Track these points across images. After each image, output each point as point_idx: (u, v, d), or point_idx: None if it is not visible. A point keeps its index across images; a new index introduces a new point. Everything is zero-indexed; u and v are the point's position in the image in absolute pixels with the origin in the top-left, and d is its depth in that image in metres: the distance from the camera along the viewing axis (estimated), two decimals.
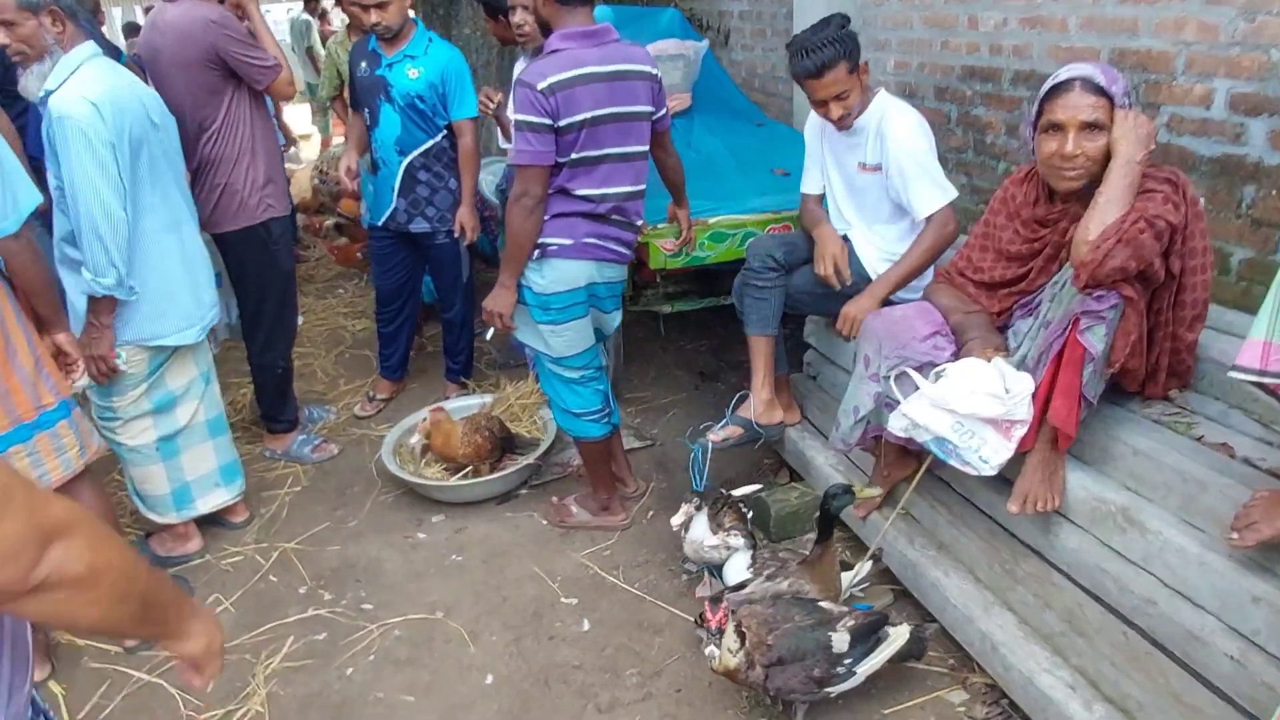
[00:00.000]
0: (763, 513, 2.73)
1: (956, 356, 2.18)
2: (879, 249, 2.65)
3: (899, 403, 2.13)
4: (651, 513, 2.97)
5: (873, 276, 2.63)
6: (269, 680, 2.33)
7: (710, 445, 2.60)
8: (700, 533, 2.37)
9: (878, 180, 2.56)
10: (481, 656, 2.38)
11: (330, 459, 3.41)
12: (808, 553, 2.43)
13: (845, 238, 2.71)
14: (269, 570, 2.78)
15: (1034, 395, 1.90)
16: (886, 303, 2.48)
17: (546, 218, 2.39)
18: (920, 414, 2.04)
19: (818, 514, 2.75)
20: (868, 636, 2.02)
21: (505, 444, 3.15)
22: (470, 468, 3.06)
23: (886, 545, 2.39)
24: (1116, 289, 1.76)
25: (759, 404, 2.69)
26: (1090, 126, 1.83)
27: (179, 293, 2.56)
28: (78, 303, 2.43)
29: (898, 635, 2.06)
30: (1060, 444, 1.91)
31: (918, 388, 2.10)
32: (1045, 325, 1.94)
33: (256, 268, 3.08)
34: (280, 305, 3.20)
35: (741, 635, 1.96)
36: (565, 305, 2.48)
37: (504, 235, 3.94)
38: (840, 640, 1.98)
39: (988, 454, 1.96)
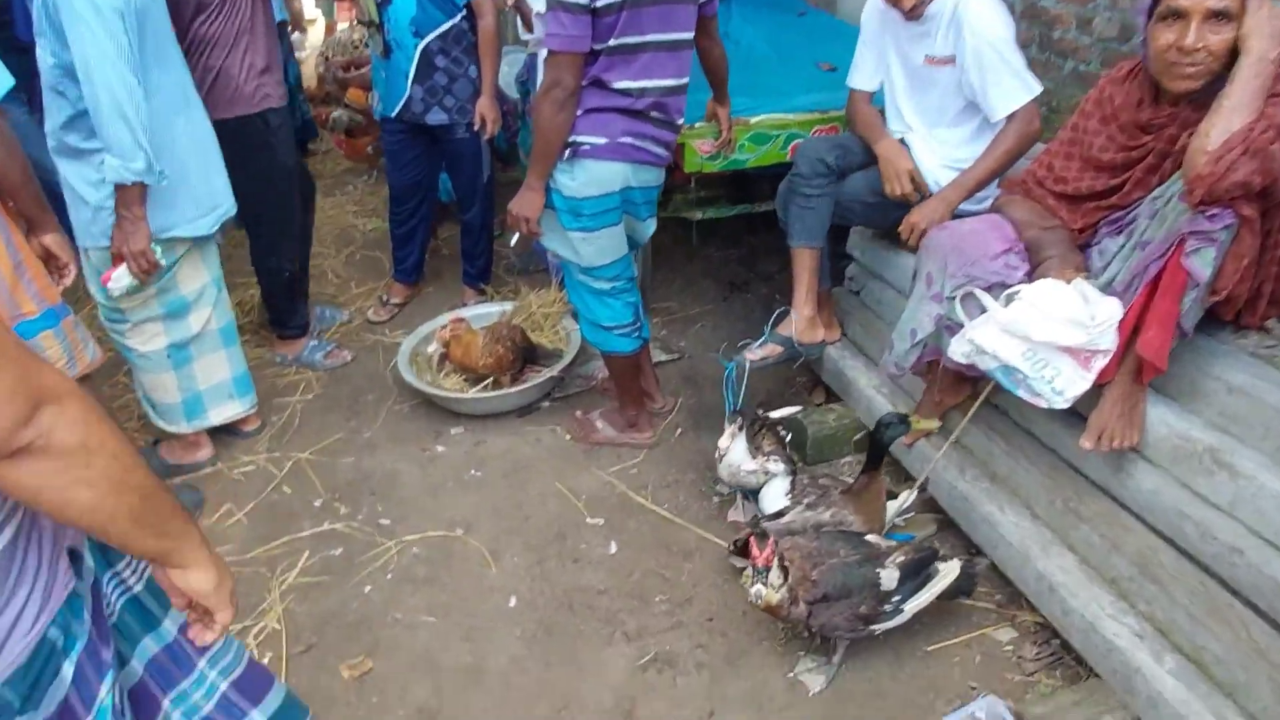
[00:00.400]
0: (799, 435, 2.59)
1: (1030, 277, 1.99)
2: (941, 155, 2.41)
3: (962, 326, 1.96)
4: (680, 430, 2.84)
5: (933, 185, 2.41)
6: (285, 596, 2.25)
7: (748, 364, 2.43)
8: (739, 456, 2.23)
9: (948, 75, 2.30)
10: (503, 578, 2.29)
11: (343, 365, 3.27)
12: (850, 480, 2.30)
13: (902, 140, 2.47)
14: (282, 481, 2.68)
15: (1120, 323, 1.72)
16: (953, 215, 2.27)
17: (579, 113, 2.15)
18: (988, 340, 1.86)
19: (858, 437, 2.64)
20: (917, 573, 1.90)
21: (527, 355, 3.00)
22: (490, 379, 2.92)
23: (933, 474, 2.26)
24: (1233, 207, 1.55)
25: (800, 321, 2.52)
26: (1218, 16, 1.59)
27: (190, 179, 2.36)
28: (85, 193, 2.23)
29: (948, 571, 1.95)
30: (1144, 376, 1.74)
31: (985, 310, 1.92)
32: (1141, 246, 1.74)
33: (255, 161, 2.83)
34: (282, 204, 2.98)
35: (784, 569, 1.85)
36: (597, 211, 2.26)
37: (525, 131, 3.71)
38: (889, 577, 1.86)
39: (1062, 385, 1.79)
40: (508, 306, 3.30)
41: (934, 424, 2.15)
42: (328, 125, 5.39)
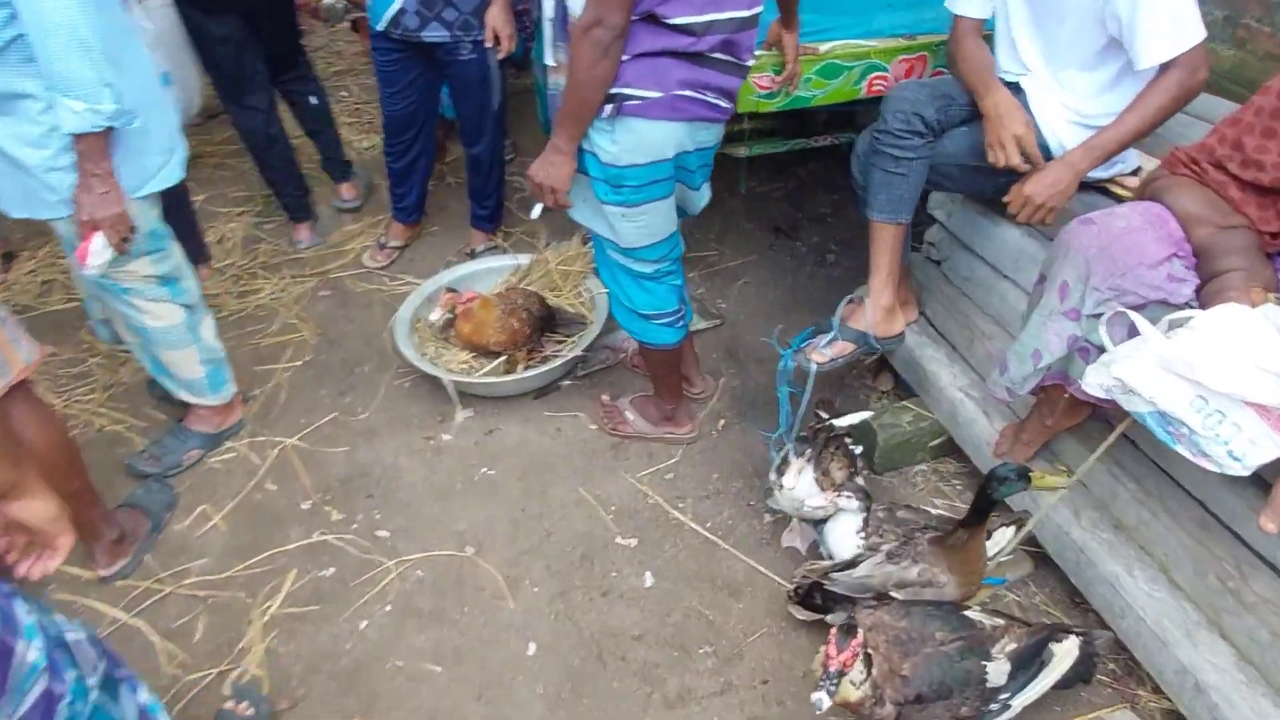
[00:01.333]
0: (867, 439, 2.20)
1: (1199, 293, 1.55)
2: (1067, 106, 1.92)
3: (1102, 350, 1.54)
4: (722, 421, 2.45)
5: (1052, 143, 1.93)
6: (267, 632, 1.93)
7: (813, 368, 2.01)
8: (806, 490, 1.85)
9: (1086, 5, 1.78)
10: (521, 615, 1.95)
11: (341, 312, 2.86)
12: (931, 510, 1.93)
13: (1016, 86, 1.98)
14: (266, 475, 2.32)
15: None
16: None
17: (625, 58, 1.64)
18: (1140, 378, 1.44)
19: (935, 443, 2.25)
20: (1031, 662, 1.55)
21: (545, 323, 2.58)
22: (503, 357, 2.52)
23: (1037, 509, 1.88)
24: None
25: (877, 312, 2.08)
26: None
27: (152, 115, 1.88)
28: (22, 156, 1.73)
29: (1064, 654, 1.59)
30: None
31: (1136, 334, 1.50)
32: None
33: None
34: None
35: (868, 659, 1.49)
36: (643, 182, 1.78)
37: (540, 38, 3.15)
38: (998, 671, 1.51)
39: (1241, 448, 1.38)
40: (523, 260, 2.86)
41: (1061, 481, 1.73)
42: (321, 16, 4.77)
